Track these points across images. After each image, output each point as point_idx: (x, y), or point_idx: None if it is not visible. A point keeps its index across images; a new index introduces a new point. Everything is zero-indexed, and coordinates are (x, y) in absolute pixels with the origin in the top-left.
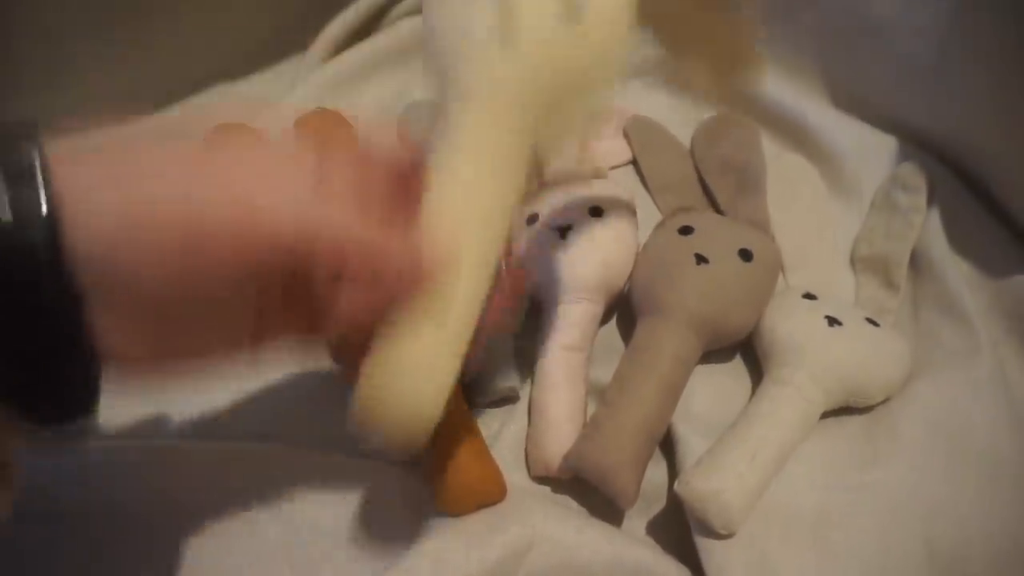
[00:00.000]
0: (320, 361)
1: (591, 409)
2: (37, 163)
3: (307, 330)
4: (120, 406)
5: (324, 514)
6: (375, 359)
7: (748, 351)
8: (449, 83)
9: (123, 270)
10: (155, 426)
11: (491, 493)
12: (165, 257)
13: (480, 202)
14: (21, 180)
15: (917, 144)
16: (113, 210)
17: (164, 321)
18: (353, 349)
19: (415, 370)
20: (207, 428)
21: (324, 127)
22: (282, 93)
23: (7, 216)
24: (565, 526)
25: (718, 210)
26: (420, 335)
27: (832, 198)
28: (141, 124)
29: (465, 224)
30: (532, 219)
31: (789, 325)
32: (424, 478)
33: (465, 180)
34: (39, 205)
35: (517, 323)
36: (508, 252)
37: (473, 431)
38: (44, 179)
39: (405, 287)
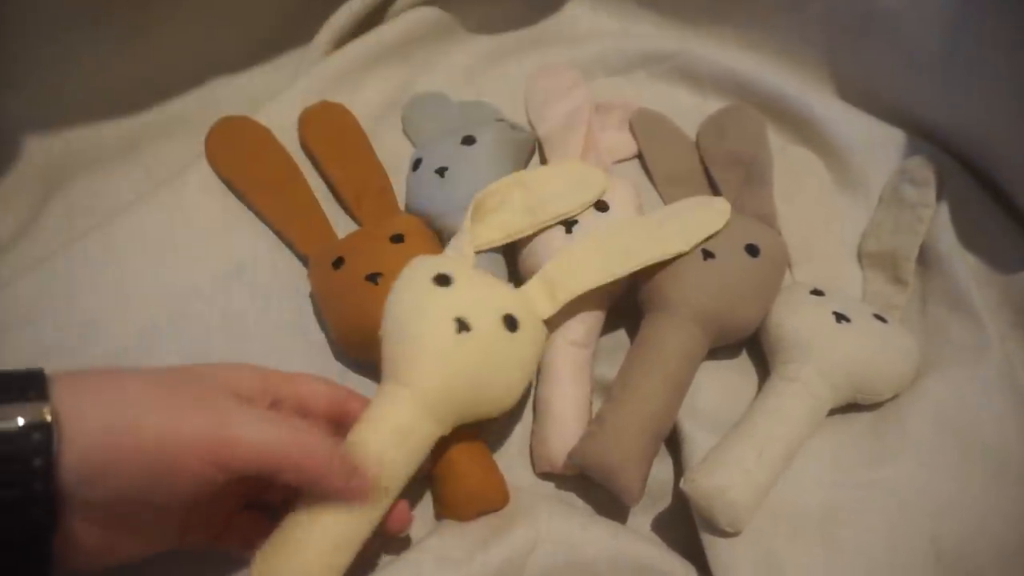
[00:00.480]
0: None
1: (596, 406)
2: (42, 383)
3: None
4: None
5: None
6: (278, 540)
7: (755, 347)
8: (395, 365)
9: (101, 480)
10: None
11: (493, 500)
12: (139, 471)
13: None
14: (26, 397)
15: (925, 137)
16: (99, 428)
17: (124, 524)
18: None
19: (304, 555)
20: None
21: (328, 120)
22: (284, 85)
23: (14, 425)
24: (570, 524)
25: None
26: (314, 537)
27: (839, 192)
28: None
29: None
30: None
31: (796, 321)
32: (428, 482)
33: (378, 453)
34: (43, 416)
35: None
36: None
37: (475, 437)
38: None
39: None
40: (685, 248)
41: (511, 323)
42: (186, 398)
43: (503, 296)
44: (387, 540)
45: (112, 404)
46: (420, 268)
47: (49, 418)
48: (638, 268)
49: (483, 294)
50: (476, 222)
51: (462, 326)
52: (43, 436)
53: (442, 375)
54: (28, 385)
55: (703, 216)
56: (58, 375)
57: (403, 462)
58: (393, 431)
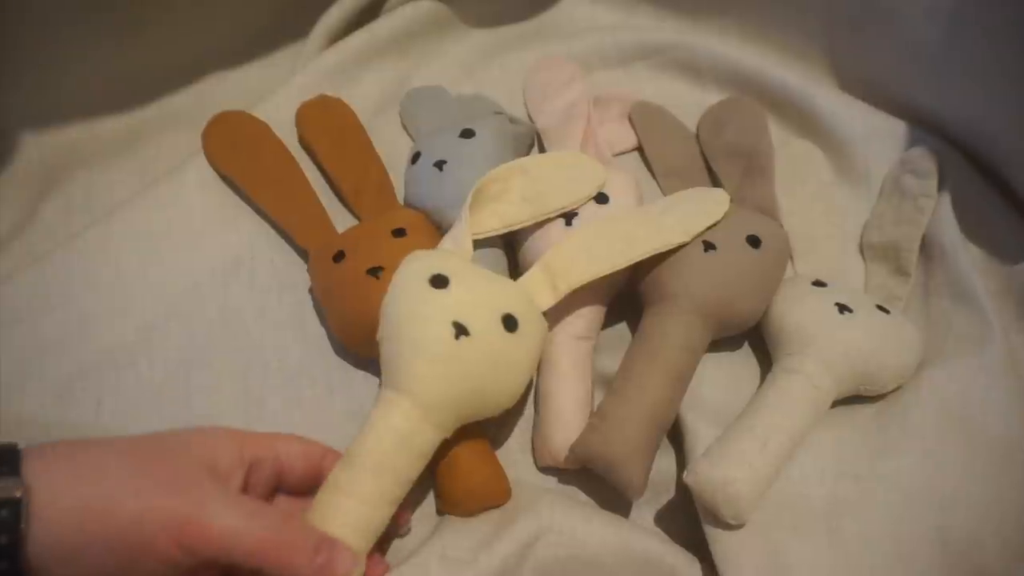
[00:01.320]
0: None
1: (598, 399)
2: (15, 458)
3: None
4: None
5: None
6: None
7: (757, 339)
8: (394, 371)
9: (72, 560)
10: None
11: (495, 496)
12: (112, 552)
13: (369, 517)
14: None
15: (926, 128)
16: (73, 508)
17: None
18: None
19: None
20: None
21: (326, 115)
22: (282, 80)
23: None
24: (572, 516)
25: None
26: None
27: (840, 183)
28: None
29: (355, 531)
30: None
31: (799, 312)
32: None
33: (361, 495)
34: (11, 493)
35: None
36: None
37: (476, 433)
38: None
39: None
40: (686, 239)
41: (510, 323)
42: (161, 477)
43: (502, 295)
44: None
45: (87, 482)
46: (416, 267)
47: (18, 494)
48: (639, 259)
49: (481, 294)
50: (475, 210)
51: (460, 330)
52: (10, 513)
53: (441, 382)
54: (0, 459)
55: (703, 206)
56: (32, 449)
57: (405, 468)
58: (394, 439)
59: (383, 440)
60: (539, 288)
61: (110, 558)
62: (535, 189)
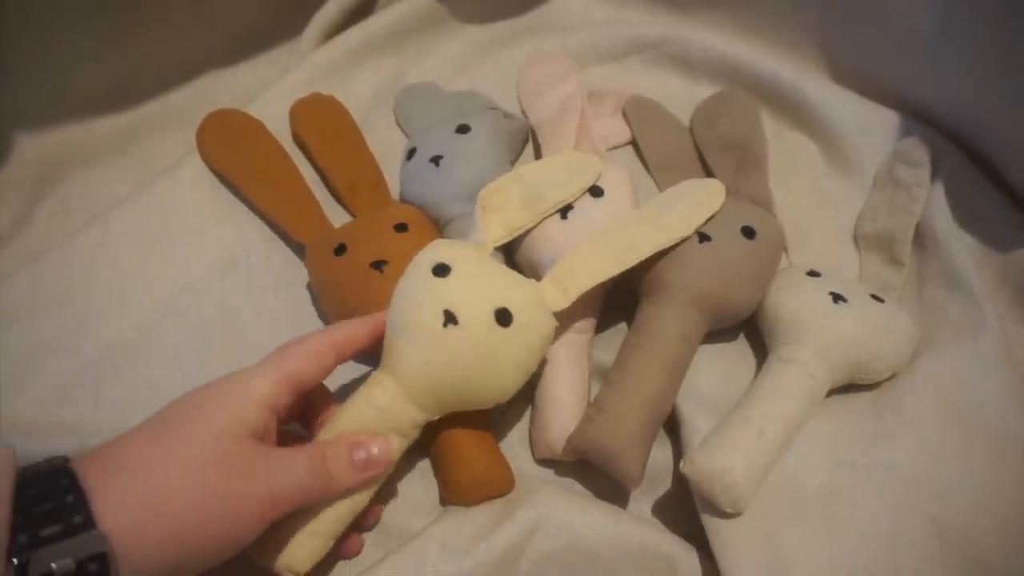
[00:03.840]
0: None
1: (595, 390)
2: (83, 504)
3: None
4: None
5: None
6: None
7: (752, 329)
8: (386, 351)
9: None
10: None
11: (499, 485)
12: (206, 558)
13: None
14: (71, 527)
15: (919, 118)
16: (159, 539)
17: None
18: None
19: (298, 536)
20: None
21: (320, 112)
22: (275, 78)
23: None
24: (571, 507)
25: None
26: (306, 513)
27: (834, 175)
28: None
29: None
30: None
31: (794, 302)
32: (433, 467)
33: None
34: (96, 545)
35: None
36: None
37: (480, 423)
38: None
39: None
40: (688, 233)
41: (504, 317)
42: (228, 470)
43: (501, 288)
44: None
45: (161, 514)
46: (427, 256)
47: (103, 549)
48: (644, 258)
49: (479, 286)
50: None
51: (449, 318)
52: (99, 567)
53: (423, 367)
54: (68, 508)
55: (700, 198)
56: (91, 476)
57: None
58: (374, 415)
59: (363, 413)
60: (550, 293)
61: (198, 565)
62: (534, 192)
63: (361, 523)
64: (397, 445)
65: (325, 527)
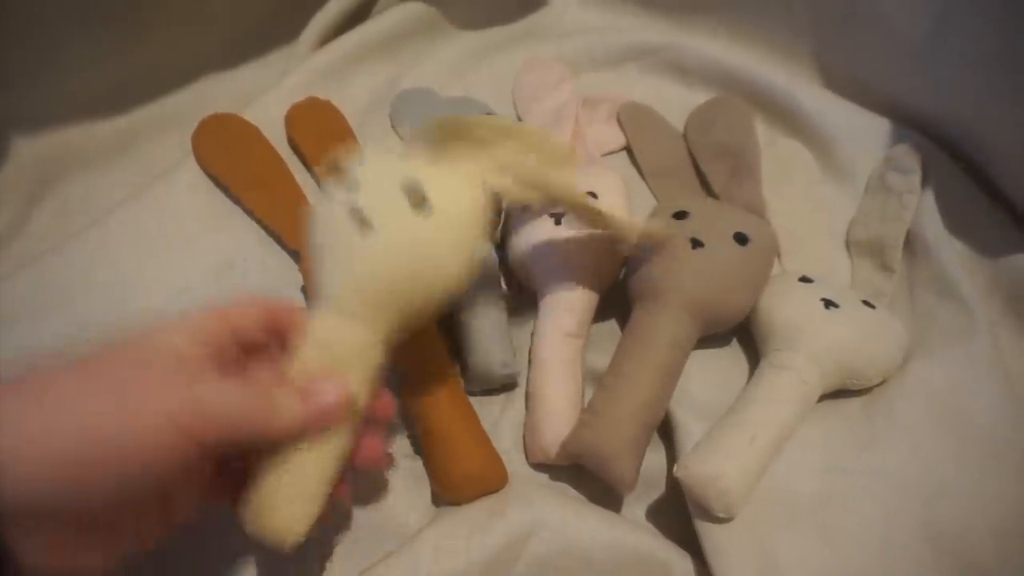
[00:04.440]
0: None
1: (588, 395)
2: None
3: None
4: None
5: None
6: (256, 490)
7: (745, 335)
8: (311, 284)
9: (46, 490)
10: None
11: (492, 481)
12: (119, 468)
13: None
14: None
15: (911, 125)
16: (37, 439)
17: (83, 529)
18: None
19: (285, 500)
20: None
21: (315, 117)
22: (272, 82)
23: None
24: (565, 512)
25: (713, 196)
26: (287, 472)
27: (826, 181)
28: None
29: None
30: (527, 206)
31: (786, 308)
32: (425, 466)
33: (322, 367)
34: None
35: (390, 460)
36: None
37: (473, 420)
38: None
39: (288, 437)
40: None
41: (418, 199)
42: (147, 384)
43: (408, 170)
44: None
45: (71, 414)
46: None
47: None
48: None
49: (382, 172)
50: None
51: (362, 222)
52: None
53: (347, 277)
54: None
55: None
56: None
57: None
58: (320, 352)
59: (310, 359)
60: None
61: (107, 486)
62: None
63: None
64: (358, 380)
65: (310, 487)
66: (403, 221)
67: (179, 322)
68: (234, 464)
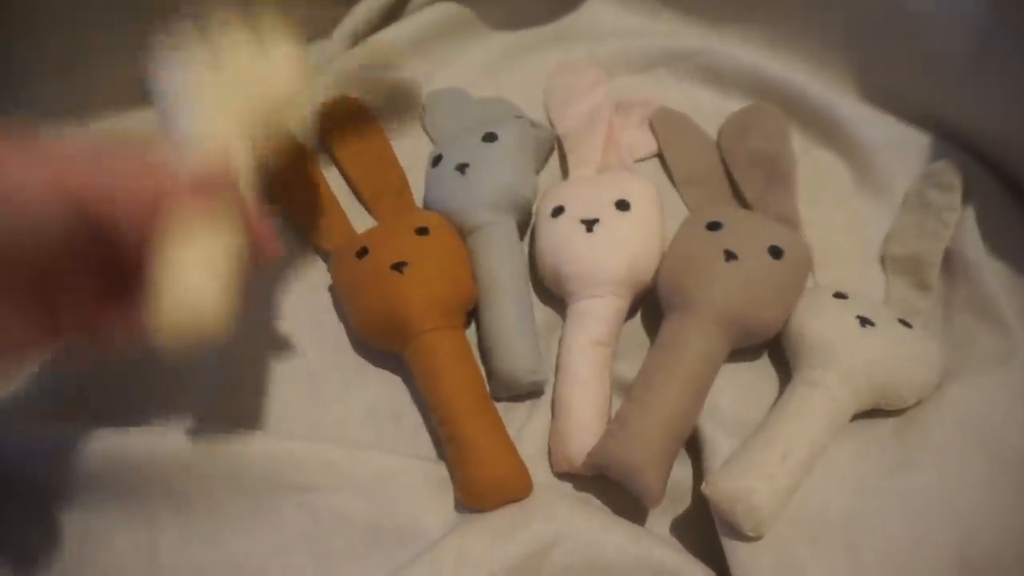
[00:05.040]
0: None
1: (616, 405)
2: None
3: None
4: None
5: (348, 506)
6: (161, 283)
7: (776, 349)
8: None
9: None
10: (167, 415)
11: (517, 489)
12: None
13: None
14: None
15: (952, 140)
16: None
17: None
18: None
19: (193, 286)
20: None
21: (346, 115)
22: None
23: None
24: (590, 524)
25: (745, 204)
26: (194, 245)
27: (862, 195)
28: None
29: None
30: (558, 212)
31: (820, 324)
32: (450, 471)
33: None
34: None
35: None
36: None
37: (499, 425)
38: None
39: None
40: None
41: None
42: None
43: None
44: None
45: None
46: None
47: None
48: None
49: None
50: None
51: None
52: None
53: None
54: None
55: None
56: None
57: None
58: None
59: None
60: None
61: None
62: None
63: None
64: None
65: (214, 266)
66: None
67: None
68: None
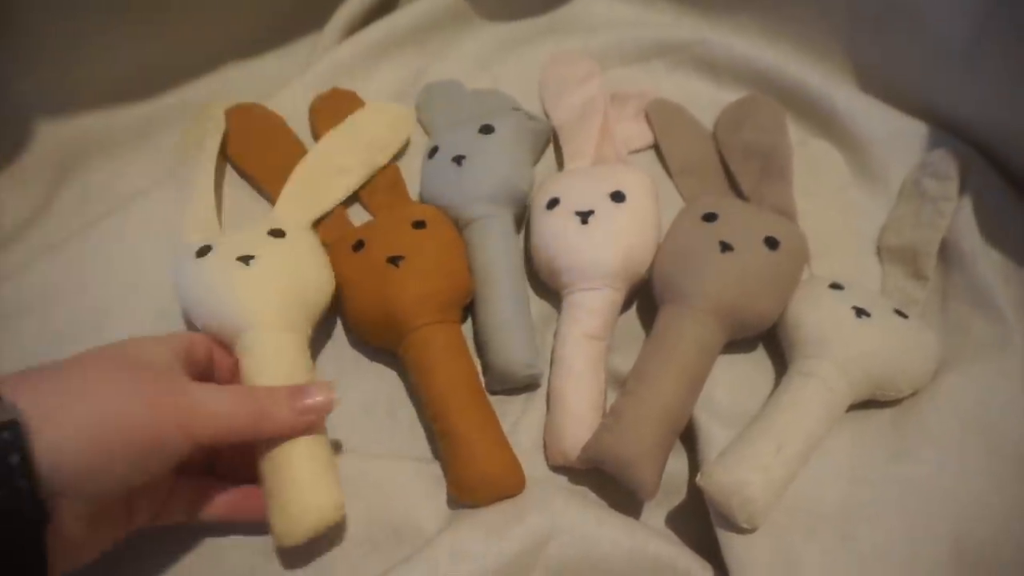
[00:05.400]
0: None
1: (611, 398)
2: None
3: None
4: None
5: None
6: (278, 490)
7: (772, 341)
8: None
9: (83, 471)
10: None
11: (509, 485)
12: (127, 457)
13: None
14: None
15: (948, 130)
16: (79, 424)
17: (106, 513)
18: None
19: (309, 486)
20: None
21: (339, 108)
22: (297, 72)
23: None
24: (585, 518)
25: (741, 196)
26: (295, 463)
27: (859, 185)
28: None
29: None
30: (553, 204)
31: (815, 315)
32: (442, 467)
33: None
34: (8, 414)
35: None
36: None
37: (493, 421)
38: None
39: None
40: (386, 160)
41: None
42: (148, 380)
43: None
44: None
45: (84, 400)
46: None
47: (15, 417)
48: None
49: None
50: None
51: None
52: (12, 435)
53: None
54: None
55: (386, 120)
56: (7, 377)
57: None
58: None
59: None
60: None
61: (122, 465)
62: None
63: None
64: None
65: (324, 468)
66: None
67: (155, 339)
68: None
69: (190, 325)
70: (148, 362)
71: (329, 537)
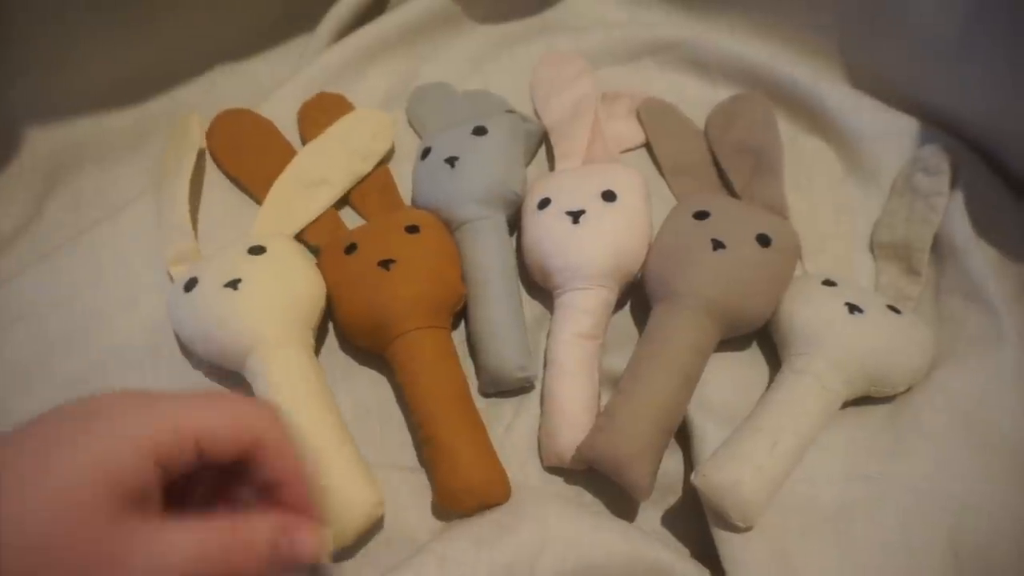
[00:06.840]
0: None
1: (605, 398)
2: None
3: None
4: None
5: None
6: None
7: (765, 338)
8: None
9: None
10: None
11: (493, 495)
12: None
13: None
14: None
15: (939, 125)
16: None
17: None
18: None
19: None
20: None
21: (328, 112)
22: (287, 74)
23: None
24: (580, 525)
25: (733, 194)
26: None
27: (851, 181)
28: None
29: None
30: (544, 204)
31: (808, 312)
32: (427, 474)
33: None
34: None
35: None
36: None
37: (479, 429)
38: None
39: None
40: (368, 168)
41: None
42: (82, 539)
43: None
44: None
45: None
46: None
47: None
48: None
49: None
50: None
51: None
52: None
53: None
54: None
55: (368, 128)
56: None
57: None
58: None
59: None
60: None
61: None
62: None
63: None
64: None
65: None
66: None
67: (135, 440)
68: None
69: (186, 351)
70: (100, 499)
71: None
